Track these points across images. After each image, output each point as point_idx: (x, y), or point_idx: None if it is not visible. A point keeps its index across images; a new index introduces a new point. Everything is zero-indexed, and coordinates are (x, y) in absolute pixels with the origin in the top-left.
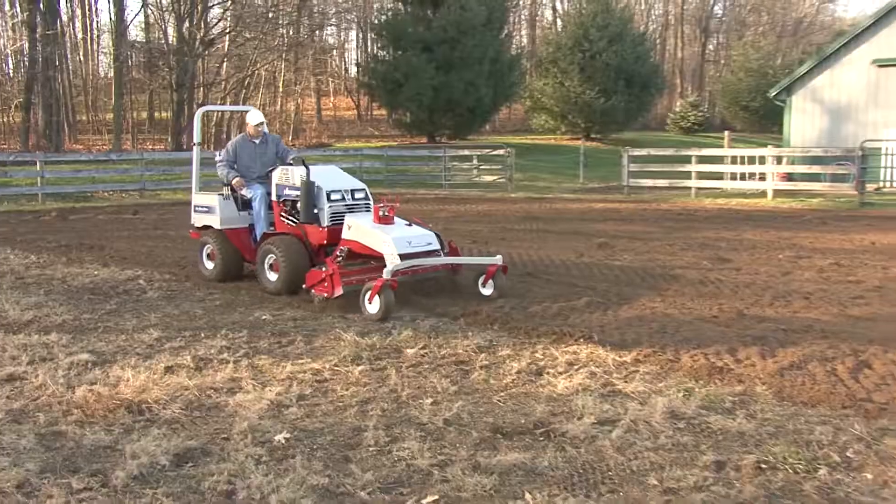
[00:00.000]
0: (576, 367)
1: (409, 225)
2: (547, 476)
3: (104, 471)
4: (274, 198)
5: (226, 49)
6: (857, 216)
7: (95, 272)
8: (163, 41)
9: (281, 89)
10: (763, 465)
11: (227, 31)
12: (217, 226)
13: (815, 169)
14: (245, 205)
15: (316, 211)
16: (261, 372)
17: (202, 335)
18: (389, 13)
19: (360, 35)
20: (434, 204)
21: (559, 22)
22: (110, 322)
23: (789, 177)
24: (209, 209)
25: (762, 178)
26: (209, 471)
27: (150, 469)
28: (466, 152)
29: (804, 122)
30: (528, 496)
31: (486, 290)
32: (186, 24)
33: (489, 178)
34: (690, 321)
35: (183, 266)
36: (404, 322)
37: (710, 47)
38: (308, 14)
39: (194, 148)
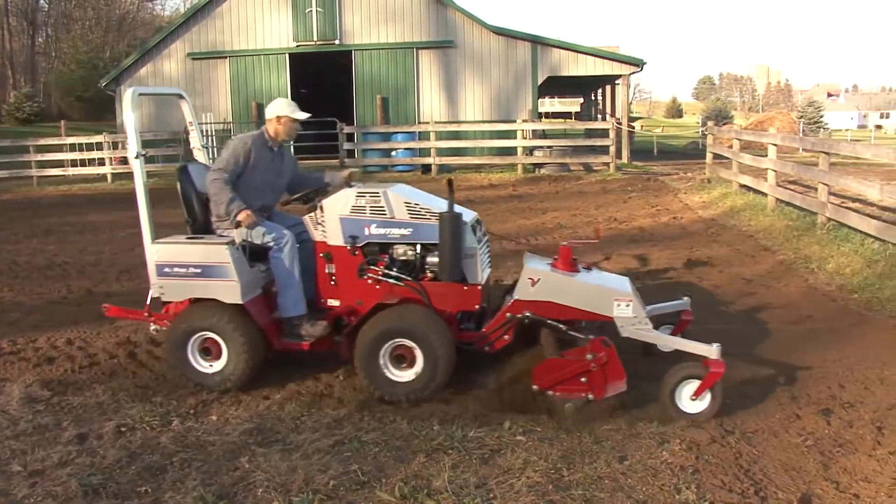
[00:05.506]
0: None
1: (589, 269)
2: None
3: None
4: (338, 243)
5: None
6: None
7: None
8: None
9: None
10: (123, 429)
11: None
12: (234, 299)
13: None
14: (254, 256)
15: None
16: None
17: None
18: None
19: None
20: None
21: None
22: None
23: (125, 160)
24: (206, 270)
25: (101, 162)
26: None
27: None
28: None
29: None
30: None
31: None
32: None
33: None
34: (42, 305)
35: None
36: None
37: (41, 40)
38: None
39: (135, 163)
